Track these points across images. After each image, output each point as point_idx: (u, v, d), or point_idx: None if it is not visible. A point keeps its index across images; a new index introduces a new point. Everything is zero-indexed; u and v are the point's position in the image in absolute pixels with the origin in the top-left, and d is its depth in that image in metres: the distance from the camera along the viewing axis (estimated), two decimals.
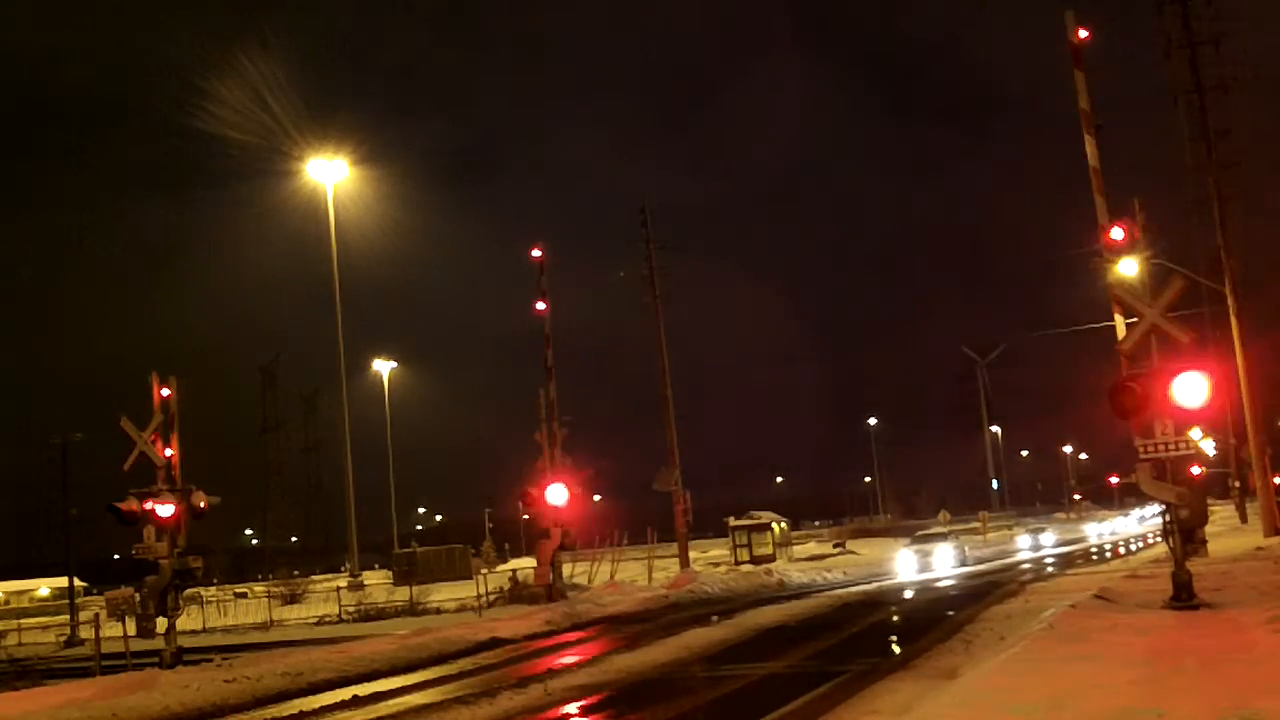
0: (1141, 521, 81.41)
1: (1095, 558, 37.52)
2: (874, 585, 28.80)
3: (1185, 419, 13.57)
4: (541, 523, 28.15)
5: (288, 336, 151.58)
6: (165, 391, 17.72)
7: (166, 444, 17.59)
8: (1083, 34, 14.33)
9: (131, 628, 19.23)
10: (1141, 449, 13.26)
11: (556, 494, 27.44)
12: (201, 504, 17.63)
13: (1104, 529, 75.47)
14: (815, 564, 44.89)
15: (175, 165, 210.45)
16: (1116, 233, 14.09)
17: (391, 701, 12.53)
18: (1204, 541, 17.07)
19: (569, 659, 15.30)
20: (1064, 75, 14.52)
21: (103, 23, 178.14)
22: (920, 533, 44.77)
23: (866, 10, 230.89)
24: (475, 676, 14.09)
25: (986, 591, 21.96)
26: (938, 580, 28.96)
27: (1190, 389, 12.95)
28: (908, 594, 24.49)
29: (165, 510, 17.17)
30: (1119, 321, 13.85)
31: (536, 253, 30.39)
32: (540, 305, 30.11)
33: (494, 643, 18.23)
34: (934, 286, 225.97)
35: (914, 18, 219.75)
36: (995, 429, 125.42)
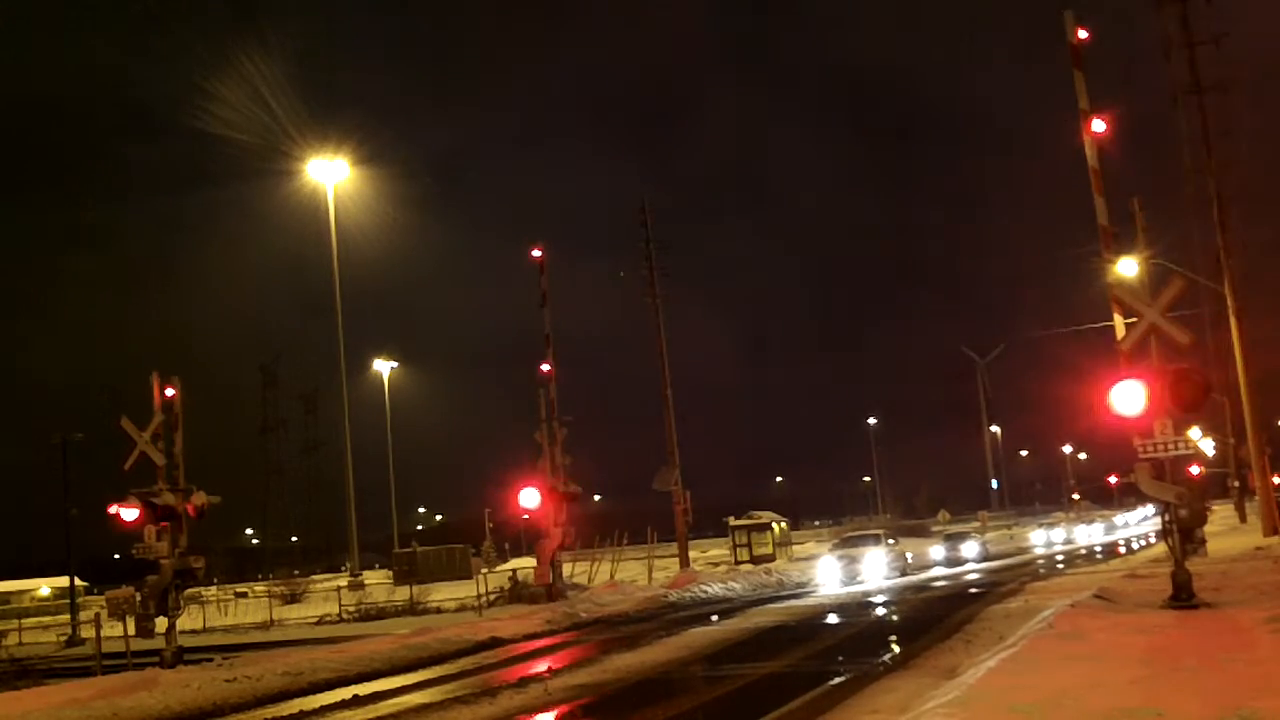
0: (1112, 530, 70.95)
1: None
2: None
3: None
4: (540, 523, 28.17)
5: (288, 336, 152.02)
6: (168, 391, 17.74)
7: (168, 444, 17.61)
8: (1082, 34, 14.35)
9: (132, 627, 19.20)
10: (1141, 449, 13.26)
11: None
12: (202, 504, 17.65)
13: (1054, 536, 61.07)
14: (815, 564, 44.83)
15: (175, 165, 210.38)
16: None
17: (391, 701, 12.54)
18: (1203, 541, 17.04)
19: (569, 659, 15.31)
20: (1064, 77, 14.54)
21: (102, 23, 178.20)
22: (849, 535, 39.08)
23: (868, 16, 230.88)
24: (475, 676, 14.10)
25: None
26: None
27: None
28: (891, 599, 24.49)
29: (165, 510, 17.19)
30: (1118, 321, 13.86)
31: (537, 253, 30.50)
32: (540, 305, 30.20)
33: (494, 642, 18.27)
34: (934, 286, 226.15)
35: (913, 27, 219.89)
36: (995, 429, 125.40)
